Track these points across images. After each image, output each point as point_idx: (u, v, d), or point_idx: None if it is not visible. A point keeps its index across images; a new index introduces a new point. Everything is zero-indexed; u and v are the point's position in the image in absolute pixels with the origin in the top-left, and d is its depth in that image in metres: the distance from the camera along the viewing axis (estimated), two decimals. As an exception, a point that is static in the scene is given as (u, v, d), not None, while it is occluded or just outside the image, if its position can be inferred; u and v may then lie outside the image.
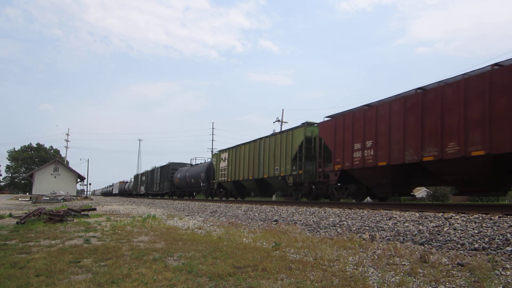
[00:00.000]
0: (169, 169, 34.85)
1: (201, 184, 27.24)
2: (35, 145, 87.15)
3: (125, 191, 58.37)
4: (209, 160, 27.94)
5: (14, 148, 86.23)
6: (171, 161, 35.24)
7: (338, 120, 13.80)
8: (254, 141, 20.31)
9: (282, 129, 29.34)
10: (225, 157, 23.58)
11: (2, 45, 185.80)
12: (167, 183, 34.90)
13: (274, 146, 18.02)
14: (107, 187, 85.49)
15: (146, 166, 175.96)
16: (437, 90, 10.21)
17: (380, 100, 12.50)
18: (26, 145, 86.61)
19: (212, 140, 76.74)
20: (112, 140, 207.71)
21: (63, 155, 79.03)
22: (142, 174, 48.31)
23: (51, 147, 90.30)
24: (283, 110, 51.93)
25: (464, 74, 9.95)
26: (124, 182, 62.62)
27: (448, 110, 9.75)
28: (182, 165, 34.96)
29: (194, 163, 32.57)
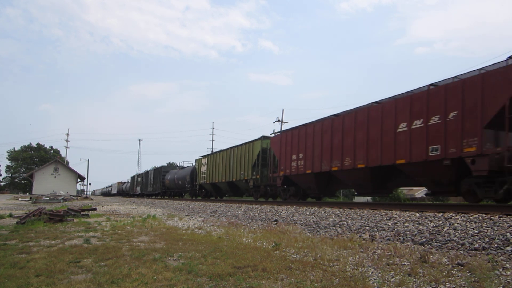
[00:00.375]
0: (161, 172, 38.12)
1: (187, 186, 30.90)
2: (35, 145, 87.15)
3: (123, 191, 60.80)
4: (194, 164, 31.42)
5: (14, 148, 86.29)
6: (170, 162, 43.24)
7: (283, 136, 17.59)
8: (227, 149, 23.82)
9: (282, 129, 32.96)
10: (205, 162, 27.41)
11: (2, 45, 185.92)
12: (159, 184, 37.85)
13: (240, 155, 21.55)
14: (106, 187, 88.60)
15: (146, 166, 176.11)
16: (339, 118, 13.89)
17: (311, 122, 15.88)
18: (26, 145, 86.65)
19: (212, 140, 76.83)
20: (112, 140, 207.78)
21: (63, 155, 79.10)
22: (138, 176, 50.71)
23: (51, 147, 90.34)
24: (283, 110, 52.00)
25: (367, 104, 13.14)
26: (122, 183, 64.88)
27: (346, 134, 13.25)
28: (173, 167, 39.44)
29: (183, 166, 36.52)
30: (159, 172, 38.77)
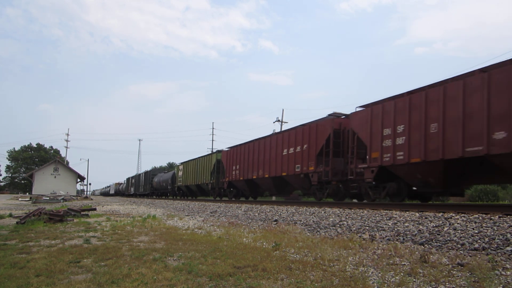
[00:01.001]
0: (150, 175, 43.54)
1: (168, 187, 36.62)
2: (35, 145, 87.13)
3: (119, 192, 65.20)
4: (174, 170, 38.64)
5: (14, 148, 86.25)
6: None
7: (229, 151, 23.09)
8: (196, 159, 29.35)
9: (282, 129, 38.67)
10: (181, 168, 33.47)
11: (2, 45, 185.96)
12: (148, 186, 42.72)
13: (204, 164, 27.27)
14: (105, 187, 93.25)
15: (146, 166, 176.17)
16: (257, 142, 19.53)
17: (246, 142, 20.94)
18: (26, 145, 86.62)
19: (212, 140, 76.85)
20: (112, 140, 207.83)
21: (63, 155, 79.14)
22: (132, 178, 54.77)
23: (51, 147, 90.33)
24: (283, 110, 52.01)
25: (270, 134, 18.35)
26: (119, 184, 68.76)
27: (260, 153, 19.12)
28: (160, 170, 46.45)
29: (166, 171, 43.85)
30: (149, 175, 43.85)
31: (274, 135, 18.51)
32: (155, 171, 45.58)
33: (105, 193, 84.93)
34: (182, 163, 33.62)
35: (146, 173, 45.76)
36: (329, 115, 14.97)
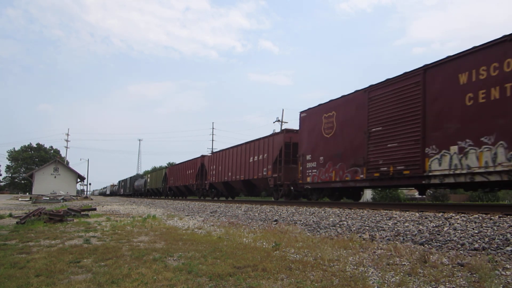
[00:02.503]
0: (133, 179, 55.63)
1: (143, 189, 47.77)
2: (35, 145, 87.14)
3: (113, 192, 75.81)
4: (146, 176, 50.68)
5: (14, 148, 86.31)
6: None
7: (211, 156, 26.67)
8: (184, 162, 33.08)
9: (282, 128, 41.82)
10: (148, 176, 46.84)
11: (2, 46, 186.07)
12: (131, 188, 55.06)
13: (190, 167, 30.77)
14: (103, 188, 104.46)
15: (146, 166, 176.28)
16: (231, 149, 22.80)
17: (225, 148, 24.06)
18: (26, 145, 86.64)
19: (212, 140, 76.96)
20: (112, 140, 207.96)
21: (63, 155, 79.15)
22: (122, 181, 66.27)
23: (51, 147, 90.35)
24: (283, 110, 52.11)
25: (241, 144, 21.96)
26: (114, 185, 79.38)
27: (232, 159, 22.28)
28: (141, 176, 56.39)
29: (143, 176, 54.98)
30: (133, 179, 55.87)
31: (244, 144, 21.19)
32: (136, 177, 56.72)
33: (102, 193, 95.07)
34: (149, 172, 44.78)
35: (131, 178, 57.58)
36: (282, 130, 18.69)
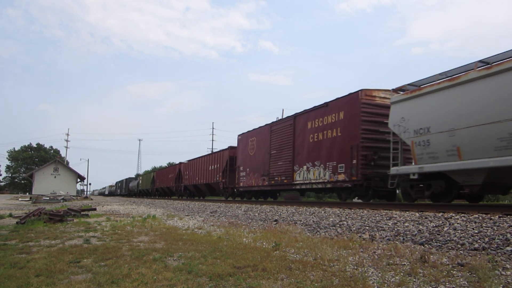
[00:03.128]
0: (128, 181, 62.14)
1: (135, 190, 53.00)
2: (35, 145, 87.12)
3: (111, 193, 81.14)
4: (138, 178, 57.88)
5: (14, 148, 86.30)
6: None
7: (186, 163, 31.99)
8: (165, 167, 41.62)
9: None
10: (140, 178, 53.13)
11: (3, 46, 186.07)
12: (126, 188, 61.44)
13: (170, 171, 36.81)
14: (102, 189, 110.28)
15: (146, 166, 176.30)
16: (199, 159, 28.44)
17: (197, 157, 29.47)
18: (26, 145, 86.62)
19: (212, 140, 76.98)
20: (112, 140, 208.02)
21: (63, 155, 79.15)
22: (119, 182, 72.42)
23: (51, 147, 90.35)
24: (283, 110, 52.08)
25: (204, 155, 28.25)
26: (112, 186, 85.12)
27: (198, 167, 28.67)
28: (134, 178, 62.12)
29: (136, 178, 61.80)
30: (128, 181, 62.27)
31: (207, 155, 27.53)
32: (131, 179, 63.04)
33: (102, 194, 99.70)
34: (140, 175, 53.87)
35: (126, 179, 63.88)
36: (228, 147, 23.47)
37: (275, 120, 17.96)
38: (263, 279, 4.01)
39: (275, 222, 9.32)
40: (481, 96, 8.40)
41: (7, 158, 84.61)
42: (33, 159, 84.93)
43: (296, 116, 15.64)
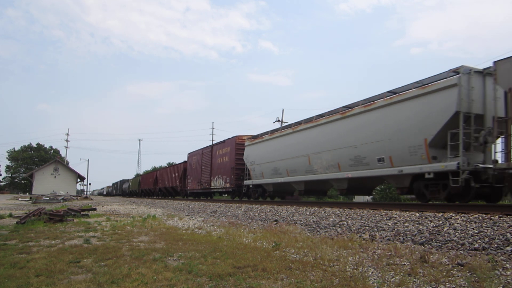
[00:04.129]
0: (121, 183, 70.48)
1: (127, 190, 61.22)
2: (35, 145, 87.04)
3: (109, 193, 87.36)
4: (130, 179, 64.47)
5: (14, 148, 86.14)
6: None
7: (158, 172, 43.92)
8: (139, 175, 56.79)
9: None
10: (130, 181, 60.79)
11: (3, 46, 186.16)
12: (120, 189, 70.41)
13: (172, 171, 38.41)
14: (100, 189, 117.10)
15: (146, 166, 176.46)
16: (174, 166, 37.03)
17: (180, 163, 35.04)
18: (26, 145, 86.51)
19: (212, 140, 76.75)
20: (112, 140, 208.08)
21: (63, 155, 79.07)
22: (114, 183, 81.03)
23: (51, 147, 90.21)
24: (283, 110, 52.15)
25: (181, 162, 34.49)
26: (109, 187, 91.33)
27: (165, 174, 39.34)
28: (126, 181, 66.74)
29: (129, 180, 66.16)
30: (121, 183, 70.59)
31: (172, 166, 37.69)
32: (124, 181, 68.82)
33: (101, 194, 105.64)
34: (131, 179, 61.87)
35: (120, 181, 72.28)
36: (183, 161, 31.74)
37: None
38: (263, 279, 4.01)
39: (275, 222, 9.32)
40: (277, 145, 16.99)
41: (7, 158, 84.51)
42: (33, 159, 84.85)
43: (213, 146, 25.43)
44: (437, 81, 9.99)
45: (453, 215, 7.03)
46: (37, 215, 11.41)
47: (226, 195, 26.23)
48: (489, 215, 6.65)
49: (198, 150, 27.75)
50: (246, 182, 19.74)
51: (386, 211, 8.75)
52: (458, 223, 6.32)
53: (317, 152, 13.88)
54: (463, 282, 3.65)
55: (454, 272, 4.00)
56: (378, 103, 11.42)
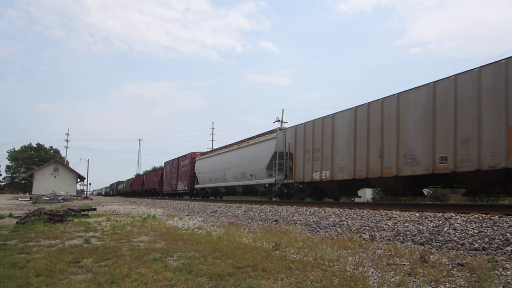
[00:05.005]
0: (117, 184, 77.03)
1: (122, 191, 67.48)
2: (35, 145, 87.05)
3: (107, 193, 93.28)
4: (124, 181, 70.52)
5: (14, 148, 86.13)
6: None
7: (144, 176, 53.02)
8: (132, 178, 61.14)
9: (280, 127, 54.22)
10: (124, 183, 67.53)
11: (3, 46, 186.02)
12: (116, 190, 77.01)
13: (137, 179, 53.86)
14: (99, 189, 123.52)
15: (146, 166, 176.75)
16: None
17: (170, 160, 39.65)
18: (26, 145, 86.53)
19: (212, 140, 76.74)
20: (112, 140, 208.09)
21: (63, 155, 79.08)
22: (112, 184, 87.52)
23: (51, 147, 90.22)
24: (283, 110, 52.24)
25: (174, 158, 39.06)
26: (107, 187, 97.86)
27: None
28: (122, 182, 72.12)
29: (124, 181, 73.16)
30: (117, 184, 77.55)
31: (155, 171, 45.76)
32: (120, 182, 74.62)
33: (99, 194, 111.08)
34: (125, 181, 68.47)
35: (116, 183, 79.40)
36: (160, 167, 44.30)
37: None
38: (263, 279, 4.01)
39: (275, 222, 9.32)
40: (211, 161, 24.84)
41: (7, 158, 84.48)
42: (33, 159, 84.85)
43: (179, 158, 32.22)
44: (269, 134, 17.84)
45: (453, 215, 7.03)
46: (37, 215, 11.41)
47: (187, 196, 32.62)
48: (489, 215, 6.66)
49: (172, 159, 35.08)
50: (195, 186, 28.19)
51: (386, 211, 8.75)
52: (458, 223, 6.32)
53: (227, 168, 22.18)
54: (463, 282, 3.65)
55: (454, 272, 4.00)
56: (250, 142, 19.47)
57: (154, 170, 56.62)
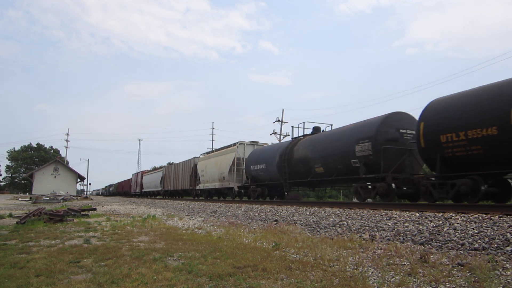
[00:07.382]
0: (110, 186, 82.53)
1: (112, 192, 77.79)
2: (35, 145, 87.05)
3: (103, 194, 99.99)
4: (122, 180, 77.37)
5: (14, 148, 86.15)
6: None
7: (133, 177, 60.01)
8: (121, 181, 73.10)
9: (282, 129, 48.87)
10: (113, 185, 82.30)
11: (4, 46, 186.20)
12: (109, 191, 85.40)
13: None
14: (99, 189, 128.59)
15: (146, 166, 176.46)
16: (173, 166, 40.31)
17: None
18: (26, 145, 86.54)
19: (212, 140, 76.73)
20: (112, 140, 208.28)
21: (63, 155, 79.06)
22: (106, 186, 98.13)
23: (51, 147, 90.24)
24: (283, 110, 52.25)
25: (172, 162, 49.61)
26: (103, 189, 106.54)
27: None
28: (113, 185, 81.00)
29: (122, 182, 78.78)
30: (110, 186, 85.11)
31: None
32: (112, 185, 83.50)
33: (98, 194, 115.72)
34: (118, 183, 74.98)
35: (109, 185, 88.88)
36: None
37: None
38: (263, 279, 4.01)
39: (275, 222, 9.32)
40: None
41: (7, 158, 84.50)
42: (33, 159, 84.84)
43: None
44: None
45: (453, 215, 7.03)
46: (37, 215, 11.41)
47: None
48: (489, 215, 6.65)
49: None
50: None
51: (386, 211, 8.75)
52: (458, 223, 6.32)
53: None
54: (463, 282, 3.65)
55: (454, 272, 4.00)
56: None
57: (127, 179, 68.27)
